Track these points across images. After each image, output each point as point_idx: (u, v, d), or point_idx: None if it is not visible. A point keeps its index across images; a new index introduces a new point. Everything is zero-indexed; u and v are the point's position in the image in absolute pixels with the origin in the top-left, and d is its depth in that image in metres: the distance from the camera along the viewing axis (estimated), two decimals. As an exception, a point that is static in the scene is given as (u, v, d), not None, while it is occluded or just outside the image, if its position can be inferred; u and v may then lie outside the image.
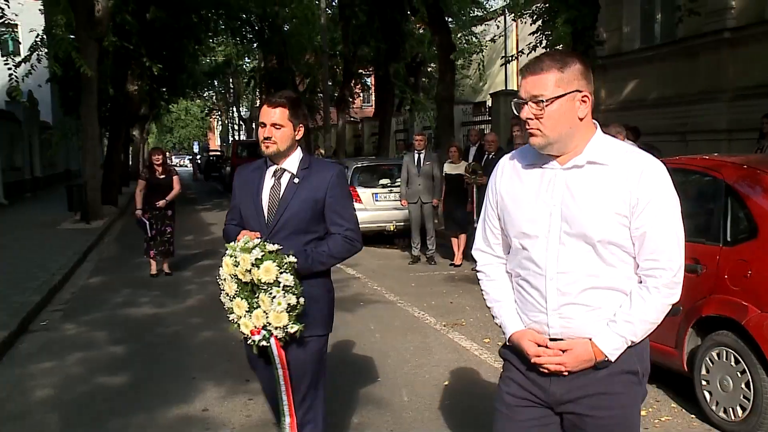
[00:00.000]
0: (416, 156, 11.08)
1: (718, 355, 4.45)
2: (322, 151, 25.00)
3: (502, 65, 25.01)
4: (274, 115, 3.11)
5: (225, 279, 3.02)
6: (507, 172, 2.39)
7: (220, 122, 70.33)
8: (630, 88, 14.83)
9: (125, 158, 31.82)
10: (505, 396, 2.39)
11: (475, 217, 10.03)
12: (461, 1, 20.39)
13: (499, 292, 2.45)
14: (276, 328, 2.91)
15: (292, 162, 3.22)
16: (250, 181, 3.28)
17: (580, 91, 2.16)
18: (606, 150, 2.21)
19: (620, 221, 2.15)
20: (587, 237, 2.16)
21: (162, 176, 9.93)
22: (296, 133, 3.18)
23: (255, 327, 2.94)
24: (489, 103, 19.65)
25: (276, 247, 2.94)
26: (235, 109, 58.68)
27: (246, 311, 2.96)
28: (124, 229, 16.64)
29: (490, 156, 9.99)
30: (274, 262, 2.87)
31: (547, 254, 2.23)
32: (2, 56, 22.09)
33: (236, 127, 61.35)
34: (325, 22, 25.34)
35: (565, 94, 2.14)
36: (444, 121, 17.24)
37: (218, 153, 50.64)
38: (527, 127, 2.20)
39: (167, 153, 13.61)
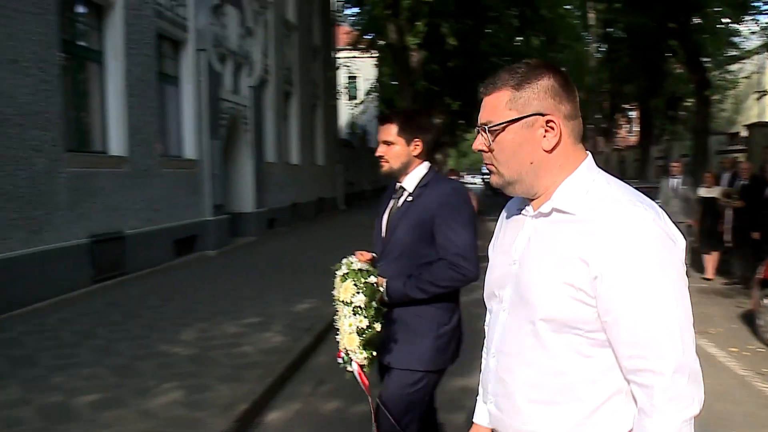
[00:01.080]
0: (674, 180, 10.45)
1: None
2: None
3: (757, 98, 22.48)
4: (384, 131, 2.56)
5: (337, 300, 2.36)
6: (501, 220, 1.60)
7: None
8: None
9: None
10: None
11: (725, 237, 9.36)
12: (717, 42, 18.51)
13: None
14: (352, 351, 2.24)
15: (411, 180, 2.58)
16: (384, 201, 2.72)
17: (543, 115, 1.32)
18: (578, 194, 1.32)
19: (572, 295, 1.27)
20: (530, 310, 1.34)
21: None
22: (412, 148, 2.55)
23: (340, 349, 2.31)
24: (743, 133, 17.72)
25: (362, 266, 2.30)
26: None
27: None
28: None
29: (744, 182, 9.13)
30: (353, 280, 2.25)
31: (497, 324, 1.46)
32: (349, 100, 25.25)
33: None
34: (594, 64, 25.09)
35: (520, 119, 1.32)
36: (699, 150, 16.26)
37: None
38: (484, 162, 1.44)
39: (461, 173, 14.45)
